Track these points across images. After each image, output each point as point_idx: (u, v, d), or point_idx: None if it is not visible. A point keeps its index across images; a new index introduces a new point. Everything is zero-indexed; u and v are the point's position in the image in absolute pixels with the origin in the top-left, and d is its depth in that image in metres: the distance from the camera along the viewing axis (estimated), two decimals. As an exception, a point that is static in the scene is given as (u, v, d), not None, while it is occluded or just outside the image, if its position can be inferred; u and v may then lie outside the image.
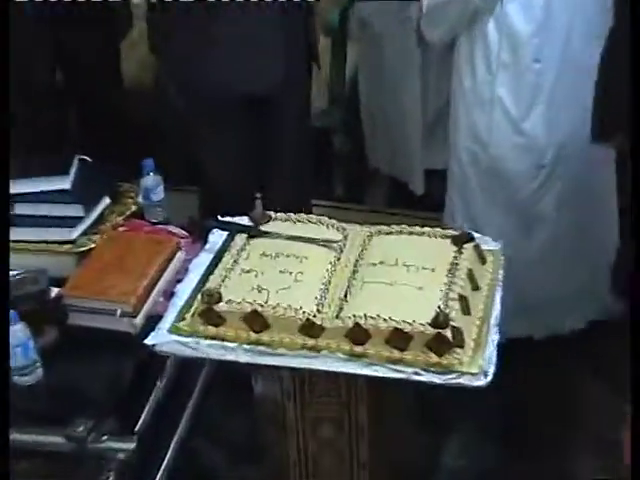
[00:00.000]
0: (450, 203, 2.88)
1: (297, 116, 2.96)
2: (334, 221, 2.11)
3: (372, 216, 3.36)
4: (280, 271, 1.93)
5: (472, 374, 1.74)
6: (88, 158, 2.39)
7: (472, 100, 2.68)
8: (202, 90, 2.80)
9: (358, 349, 1.78)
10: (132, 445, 1.88)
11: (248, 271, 1.94)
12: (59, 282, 2.05)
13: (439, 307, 1.80)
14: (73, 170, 2.31)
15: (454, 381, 1.74)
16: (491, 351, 1.80)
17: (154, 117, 3.63)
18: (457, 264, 1.94)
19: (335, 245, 2.03)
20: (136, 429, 1.94)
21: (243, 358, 1.82)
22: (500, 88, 2.62)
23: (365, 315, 1.79)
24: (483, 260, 2.03)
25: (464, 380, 1.74)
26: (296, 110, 2.95)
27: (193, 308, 1.90)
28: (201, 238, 2.18)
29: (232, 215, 2.18)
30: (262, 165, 2.98)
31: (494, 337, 1.84)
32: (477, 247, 2.02)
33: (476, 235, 2.07)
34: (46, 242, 2.20)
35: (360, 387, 1.90)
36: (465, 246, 2.00)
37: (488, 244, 2.09)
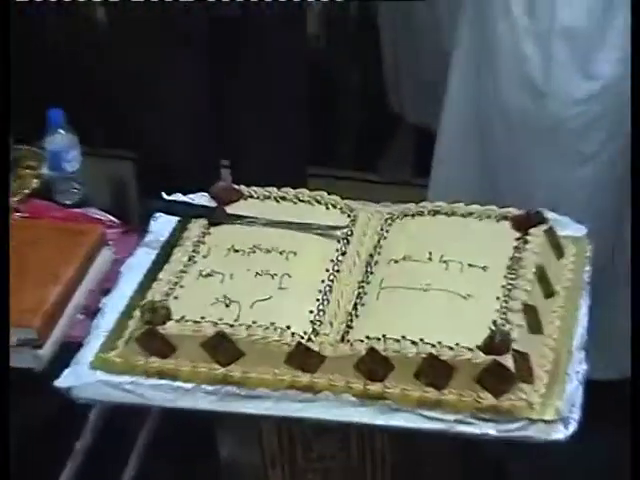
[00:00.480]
0: None
1: (283, 43, 3.01)
2: (337, 198, 2.16)
3: (393, 189, 3.38)
4: (257, 273, 1.97)
5: (546, 422, 1.77)
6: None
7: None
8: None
9: (375, 387, 1.81)
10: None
11: (209, 274, 1.98)
12: None
13: (494, 323, 1.83)
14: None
15: (519, 433, 1.77)
16: (574, 388, 1.83)
17: (63, 44, 3.64)
18: (521, 259, 1.97)
19: (339, 233, 2.07)
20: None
21: (203, 405, 1.84)
22: None
23: (384, 337, 1.81)
24: (560, 252, 2.07)
25: (534, 432, 1.76)
26: (280, 34, 2.99)
27: (128, 332, 1.93)
28: (139, 226, 2.23)
29: (185, 192, 2.22)
30: (231, 118, 3.02)
31: (579, 367, 1.87)
32: (551, 233, 2.06)
33: (550, 215, 2.10)
34: None
35: (379, 445, 1.94)
36: (533, 232, 2.03)
37: (568, 228, 2.12)
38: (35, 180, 2.38)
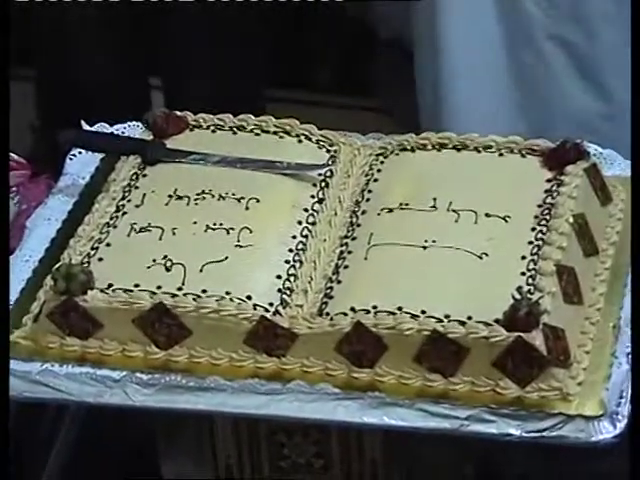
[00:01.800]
0: None
1: None
2: (312, 127, 2.18)
3: (382, 119, 3.40)
4: (208, 227, 2.00)
5: (587, 418, 1.79)
6: None
7: None
8: None
9: (362, 375, 1.84)
10: None
11: (144, 229, 2.00)
12: None
13: (519, 290, 1.85)
14: None
15: (551, 433, 1.79)
16: (623, 374, 1.85)
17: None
18: (554, 205, 2.00)
19: (315, 174, 2.09)
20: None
21: (138, 399, 1.86)
22: None
23: (375, 309, 1.84)
24: (606, 197, 2.11)
25: (571, 431, 1.78)
26: None
27: (37, 305, 1.96)
28: (49, 168, 2.27)
29: (110, 120, 2.25)
30: (164, 23, 3.06)
31: (629, 347, 1.89)
32: (594, 172, 2.09)
33: (593, 148, 2.15)
34: None
35: (368, 450, 1.98)
36: (570, 170, 2.06)
37: (615, 165, 2.18)
38: None
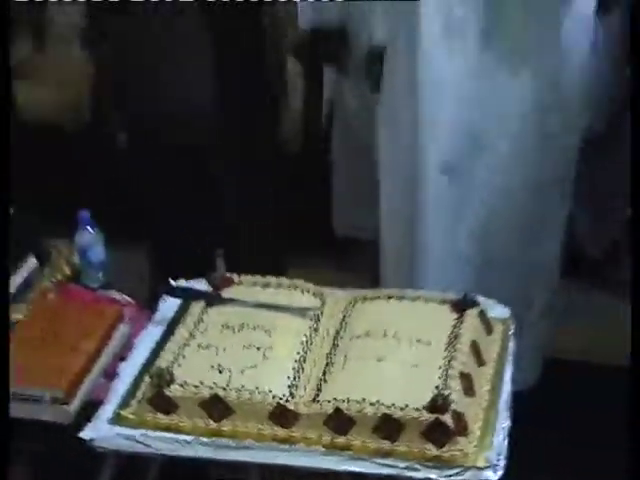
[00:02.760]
0: None
1: (262, 156, 3.01)
2: (310, 285, 2.14)
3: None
4: (245, 346, 1.96)
5: (478, 468, 1.75)
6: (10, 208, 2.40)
7: None
8: (150, 122, 2.85)
9: (340, 440, 1.79)
10: None
11: (207, 347, 1.96)
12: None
13: (437, 388, 1.82)
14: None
15: (457, 478, 1.75)
16: (501, 440, 1.82)
17: (90, 159, 3.64)
18: (458, 335, 1.96)
19: (311, 313, 2.06)
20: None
21: (201, 452, 1.82)
22: None
23: (348, 399, 1.80)
24: (489, 329, 2.06)
25: (469, 476, 1.75)
26: (260, 149, 3.00)
27: (140, 392, 1.91)
28: (150, 306, 2.20)
29: (187, 278, 2.20)
30: (224, 215, 3.02)
31: (504, 423, 1.86)
32: (482, 314, 2.05)
33: (481, 299, 2.10)
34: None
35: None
36: (468, 313, 2.03)
37: (495, 310, 2.12)
38: (67, 268, 2.36)
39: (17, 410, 1.95)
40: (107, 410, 1.90)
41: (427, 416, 1.76)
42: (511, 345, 2.06)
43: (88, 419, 1.89)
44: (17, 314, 2.19)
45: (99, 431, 1.85)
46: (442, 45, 2.71)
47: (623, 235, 3.50)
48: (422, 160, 2.80)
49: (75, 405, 1.98)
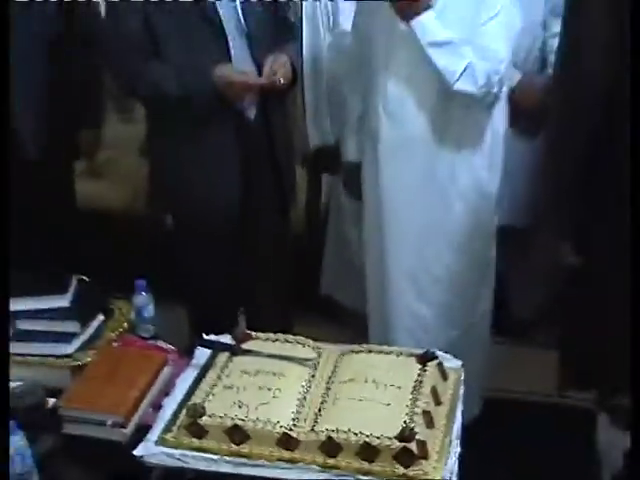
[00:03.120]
0: None
1: (276, 238, 3.01)
2: (310, 341, 2.13)
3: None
4: (259, 387, 1.94)
5: (436, 484, 1.75)
6: (85, 277, 2.41)
7: None
8: (189, 212, 2.86)
9: (331, 461, 1.78)
10: None
11: (230, 387, 1.95)
12: (56, 393, 2.06)
13: (405, 422, 1.81)
14: (71, 289, 2.32)
15: (420, 491, 1.74)
16: (453, 462, 1.82)
17: (144, 237, 3.66)
18: (422, 381, 1.95)
19: (310, 363, 2.04)
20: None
21: (224, 469, 1.81)
22: None
23: (337, 429, 1.80)
24: (445, 377, 2.04)
25: (429, 490, 1.74)
26: (274, 233, 3.00)
27: (179, 421, 1.90)
28: (188, 354, 2.18)
29: (217, 333, 2.19)
30: (245, 283, 3.02)
31: (456, 449, 1.86)
32: (440, 365, 2.04)
33: (440, 354, 2.08)
34: (45, 356, 2.19)
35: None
36: (429, 364, 2.02)
37: (450, 362, 2.10)
38: (125, 323, 2.36)
39: (86, 430, 1.99)
40: (154, 433, 1.90)
41: (397, 444, 1.75)
42: (461, 388, 2.05)
43: (140, 440, 1.89)
44: (88, 357, 2.19)
45: (148, 449, 1.86)
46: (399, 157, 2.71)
47: (549, 301, 3.50)
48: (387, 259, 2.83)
49: (130, 428, 1.98)
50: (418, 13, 2.50)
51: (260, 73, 2.68)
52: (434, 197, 2.72)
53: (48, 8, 2.98)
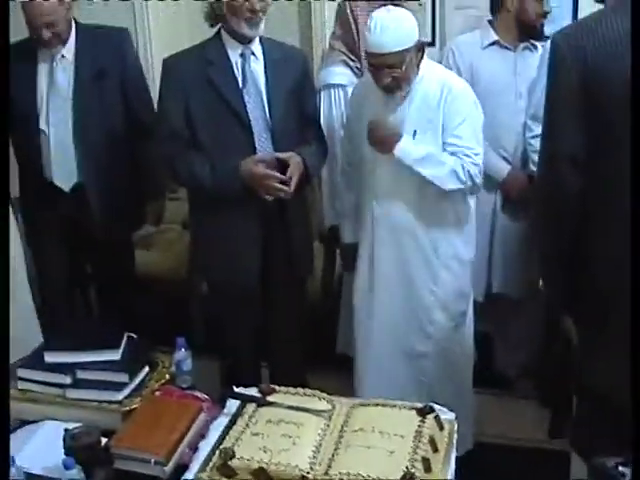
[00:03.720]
0: None
1: (294, 304, 3.00)
2: (325, 394, 2.12)
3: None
4: (282, 435, 1.93)
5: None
6: (134, 335, 2.43)
7: None
8: (219, 279, 2.87)
9: (340, 497, 1.78)
10: None
11: (257, 434, 1.94)
12: (108, 434, 2.07)
13: (407, 467, 1.81)
14: (122, 345, 2.35)
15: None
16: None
17: (184, 301, 3.68)
18: (421, 432, 1.95)
19: (325, 414, 2.04)
20: None
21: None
22: None
23: (348, 473, 1.80)
24: (441, 427, 2.04)
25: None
26: (293, 300, 2.99)
27: (212, 462, 1.90)
28: (220, 402, 2.18)
29: (245, 386, 2.19)
30: (269, 341, 3.02)
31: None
32: (437, 417, 2.03)
33: (437, 407, 2.08)
34: (99, 401, 2.22)
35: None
36: (428, 416, 2.01)
37: (446, 414, 2.10)
38: (167, 374, 2.36)
39: (133, 466, 1.99)
40: (191, 472, 1.90)
41: (401, 486, 1.75)
42: (455, 437, 2.04)
43: (178, 477, 1.90)
44: (135, 403, 2.20)
45: (185, 487, 1.87)
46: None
47: (533, 360, 3.49)
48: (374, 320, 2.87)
49: (170, 467, 1.99)
50: (393, 146, 2.63)
51: (281, 165, 2.70)
52: (421, 269, 2.80)
53: (112, 99, 3.06)
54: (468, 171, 2.64)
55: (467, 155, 2.63)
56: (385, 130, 2.63)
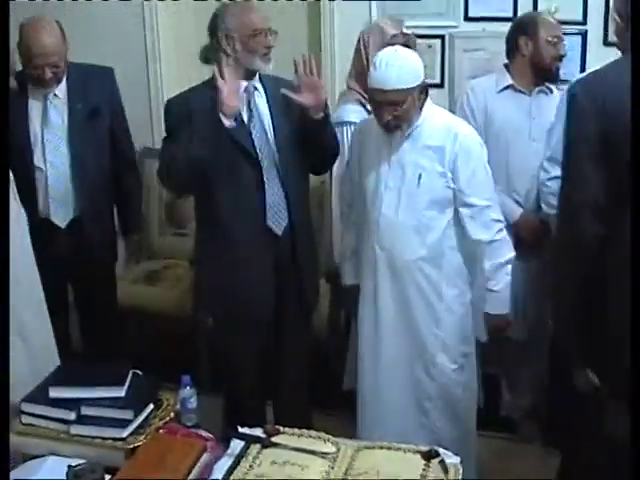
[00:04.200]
0: None
1: (301, 350, 3.00)
2: (330, 436, 2.11)
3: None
4: (286, 477, 1.93)
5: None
6: (139, 372, 2.43)
7: None
8: (224, 316, 2.87)
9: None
10: None
11: (261, 475, 1.93)
12: (111, 471, 2.06)
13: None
14: (127, 381, 2.35)
15: None
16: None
17: (190, 337, 3.67)
18: (426, 476, 1.94)
19: (330, 457, 2.03)
20: None
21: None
22: None
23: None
24: (446, 471, 2.02)
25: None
26: (298, 336, 2.99)
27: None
28: (225, 443, 2.17)
29: (249, 426, 2.18)
30: (272, 380, 3.01)
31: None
32: (442, 461, 2.02)
33: (442, 451, 2.06)
34: (103, 438, 2.20)
35: None
36: (432, 461, 2.00)
37: (450, 458, 2.08)
38: (172, 412, 2.35)
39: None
40: (194, 510, 1.89)
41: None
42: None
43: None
44: (139, 441, 2.19)
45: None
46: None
47: (538, 401, 3.46)
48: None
49: (176, 505, 1.98)
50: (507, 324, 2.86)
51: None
52: (424, 312, 2.79)
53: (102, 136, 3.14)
54: (496, 222, 2.74)
55: (492, 219, 2.73)
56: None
